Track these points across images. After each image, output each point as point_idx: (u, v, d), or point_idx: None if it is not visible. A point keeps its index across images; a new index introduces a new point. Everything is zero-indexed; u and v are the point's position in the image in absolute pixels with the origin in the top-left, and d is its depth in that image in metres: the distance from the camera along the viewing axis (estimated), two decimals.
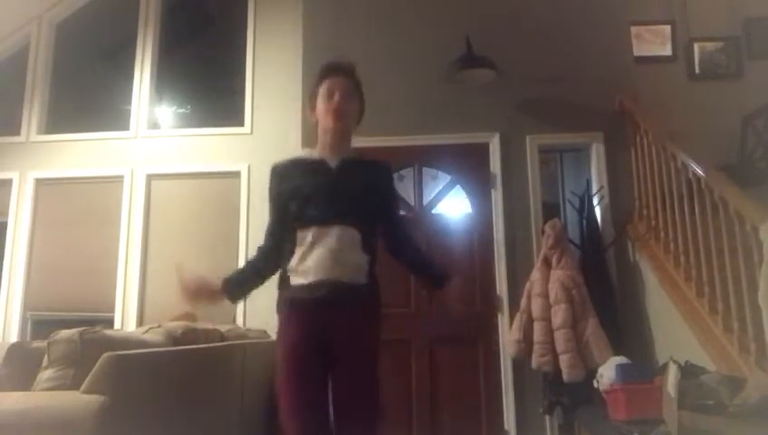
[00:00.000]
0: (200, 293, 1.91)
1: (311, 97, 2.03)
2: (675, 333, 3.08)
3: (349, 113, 1.97)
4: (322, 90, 1.97)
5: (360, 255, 1.87)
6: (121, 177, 4.82)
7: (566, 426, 3.35)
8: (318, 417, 1.77)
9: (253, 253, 2.02)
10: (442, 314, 3.75)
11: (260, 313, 4.07)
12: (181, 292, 1.88)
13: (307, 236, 1.84)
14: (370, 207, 1.94)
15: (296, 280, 1.85)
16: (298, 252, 1.85)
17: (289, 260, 1.87)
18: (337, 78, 1.98)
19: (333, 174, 1.93)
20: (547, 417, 3.54)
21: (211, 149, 4.83)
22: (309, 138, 3.65)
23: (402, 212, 2.17)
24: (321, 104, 1.97)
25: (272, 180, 2.00)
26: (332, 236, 1.83)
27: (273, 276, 1.98)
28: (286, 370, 1.81)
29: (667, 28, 4.14)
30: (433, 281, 2.07)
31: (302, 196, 1.89)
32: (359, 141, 3.99)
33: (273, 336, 2.05)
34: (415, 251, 2.09)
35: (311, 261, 1.83)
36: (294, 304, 1.85)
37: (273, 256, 1.96)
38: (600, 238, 3.74)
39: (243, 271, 2.02)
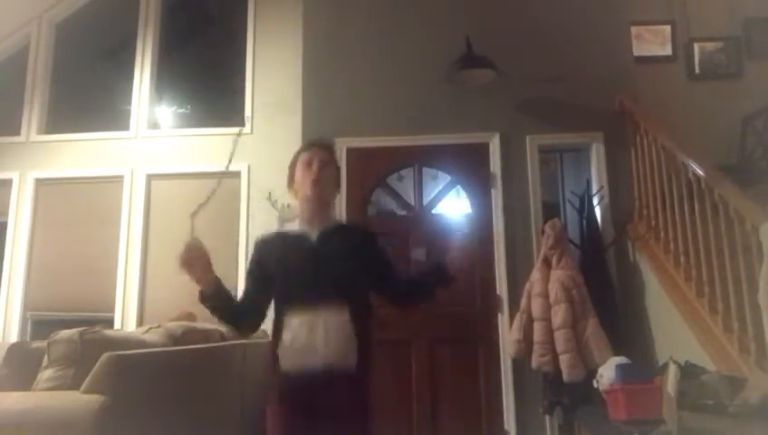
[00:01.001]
0: (199, 263, 1.87)
1: (290, 170, 2.06)
2: (675, 333, 3.08)
3: (327, 182, 1.99)
4: (301, 160, 2.01)
5: (351, 340, 1.85)
6: (121, 177, 4.82)
7: (566, 426, 3.35)
8: None
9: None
10: (442, 314, 3.78)
11: None
12: (184, 251, 1.86)
13: (294, 321, 1.85)
14: (357, 280, 1.94)
15: (285, 366, 1.85)
16: (286, 336, 1.86)
17: (277, 341, 1.88)
18: (316, 149, 2.03)
19: (314, 248, 1.93)
20: (547, 417, 3.54)
21: (211, 149, 4.83)
22: (307, 138, 3.65)
23: (393, 263, 2.10)
24: (299, 174, 2.00)
25: (254, 252, 2.02)
26: (320, 322, 1.82)
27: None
28: None
29: (667, 28, 4.14)
30: (440, 283, 2.01)
31: (285, 273, 1.92)
32: (360, 141, 4.01)
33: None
34: (410, 287, 2.06)
35: (299, 349, 1.83)
36: (284, 394, 1.87)
37: (250, 315, 1.98)
38: (600, 238, 3.73)
39: (232, 299, 1.97)
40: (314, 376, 1.81)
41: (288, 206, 4.22)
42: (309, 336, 1.82)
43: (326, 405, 1.81)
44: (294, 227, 2.05)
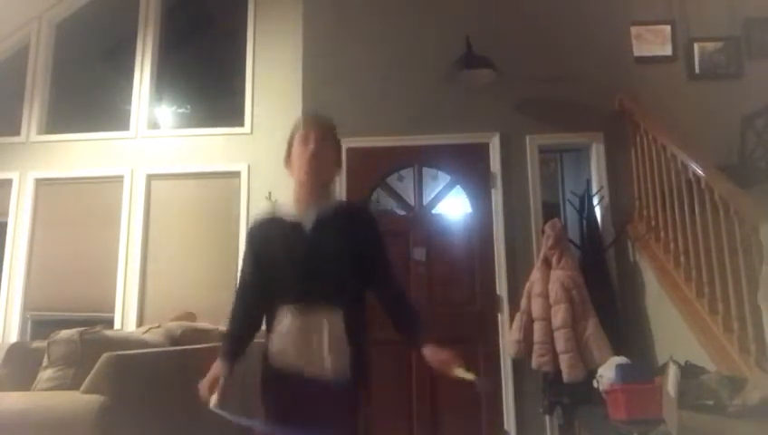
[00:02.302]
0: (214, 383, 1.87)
1: (287, 147, 1.92)
2: (675, 333, 3.08)
3: (324, 162, 1.85)
4: (298, 138, 1.88)
5: (345, 346, 1.76)
6: (121, 177, 4.82)
7: (566, 426, 3.35)
8: None
9: (229, 318, 1.93)
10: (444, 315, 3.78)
11: None
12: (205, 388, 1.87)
13: (285, 320, 1.75)
14: (353, 277, 1.82)
15: (276, 367, 1.78)
16: (276, 336, 1.77)
17: (269, 339, 1.81)
18: (314, 127, 1.89)
19: (308, 240, 1.80)
20: (547, 417, 3.54)
21: (211, 149, 4.83)
22: None
23: (392, 265, 1.96)
24: (296, 152, 1.87)
25: (248, 241, 1.93)
26: (314, 324, 1.73)
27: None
28: None
29: (667, 28, 4.14)
30: (411, 341, 1.96)
31: (277, 267, 1.81)
32: (360, 141, 4.00)
33: None
34: (404, 310, 1.96)
35: (290, 351, 1.75)
36: (274, 397, 1.81)
37: (249, 323, 1.90)
38: (600, 238, 3.73)
39: (234, 339, 1.92)
40: (302, 380, 1.73)
41: None
42: (300, 339, 1.73)
43: (314, 412, 1.73)
44: (289, 206, 1.89)
